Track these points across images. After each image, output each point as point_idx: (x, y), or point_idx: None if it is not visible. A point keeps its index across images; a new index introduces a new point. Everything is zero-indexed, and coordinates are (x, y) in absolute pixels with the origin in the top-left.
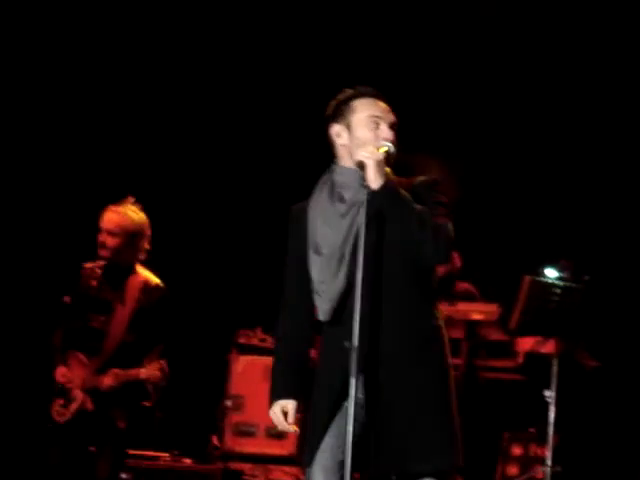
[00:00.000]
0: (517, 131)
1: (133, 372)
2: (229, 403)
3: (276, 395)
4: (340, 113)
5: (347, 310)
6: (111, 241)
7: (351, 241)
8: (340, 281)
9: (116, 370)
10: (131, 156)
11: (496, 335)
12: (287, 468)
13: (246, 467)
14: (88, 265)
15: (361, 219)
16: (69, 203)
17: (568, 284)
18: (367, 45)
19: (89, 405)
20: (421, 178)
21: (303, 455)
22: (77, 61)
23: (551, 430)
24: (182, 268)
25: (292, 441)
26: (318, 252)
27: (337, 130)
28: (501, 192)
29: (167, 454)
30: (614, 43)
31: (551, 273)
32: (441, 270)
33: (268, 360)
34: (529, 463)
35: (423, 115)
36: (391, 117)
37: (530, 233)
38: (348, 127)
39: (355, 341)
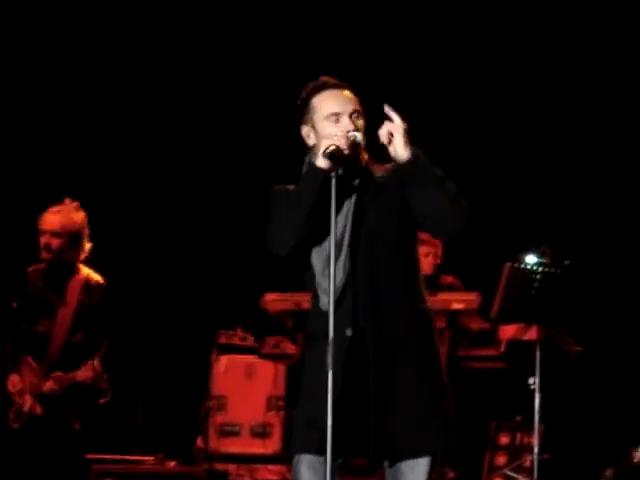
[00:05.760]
0: (492, 117)
1: (70, 376)
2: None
3: None
4: (304, 113)
5: (345, 294)
6: (55, 242)
7: (345, 228)
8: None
9: (58, 374)
10: (75, 157)
11: (478, 324)
12: (272, 467)
13: (231, 467)
14: (31, 269)
15: (332, 206)
16: (6, 207)
17: (548, 269)
18: (363, 40)
19: (38, 410)
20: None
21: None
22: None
23: (537, 417)
24: (161, 269)
25: (276, 440)
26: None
27: (305, 131)
28: (479, 179)
29: (151, 457)
30: (596, 32)
31: (531, 259)
32: (429, 262)
33: (249, 359)
34: (517, 452)
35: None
36: (351, 106)
37: (509, 220)
38: (313, 127)
39: (331, 330)
